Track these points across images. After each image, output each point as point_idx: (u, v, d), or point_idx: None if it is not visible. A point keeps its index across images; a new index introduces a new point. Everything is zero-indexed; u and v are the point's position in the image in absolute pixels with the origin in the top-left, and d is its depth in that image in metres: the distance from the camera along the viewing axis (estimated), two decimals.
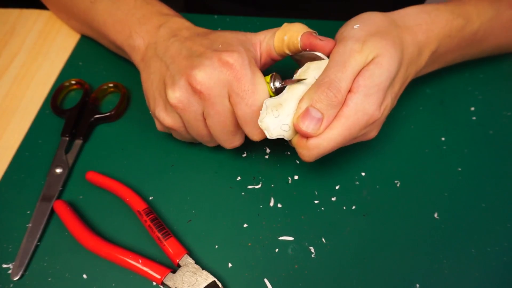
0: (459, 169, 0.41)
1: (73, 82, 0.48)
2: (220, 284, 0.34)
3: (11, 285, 0.35)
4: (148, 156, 0.43)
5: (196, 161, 0.42)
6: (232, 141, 0.37)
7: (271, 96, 0.35)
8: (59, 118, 0.45)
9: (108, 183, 0.39)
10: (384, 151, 0.43)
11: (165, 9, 0.42)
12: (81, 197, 0.40)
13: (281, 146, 0.43)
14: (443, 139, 0.43)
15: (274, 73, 0.35)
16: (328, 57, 0.35)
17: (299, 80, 0.34)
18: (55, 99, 0.46)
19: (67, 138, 0.43)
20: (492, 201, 0.39)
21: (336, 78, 0.32)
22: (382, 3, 0.62)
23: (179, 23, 0.39)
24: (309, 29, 0.36)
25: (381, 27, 0.36)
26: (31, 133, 0.44)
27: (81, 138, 0.43)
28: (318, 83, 0.33)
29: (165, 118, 0.36)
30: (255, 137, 0.36)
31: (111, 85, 0.47)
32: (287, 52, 0.37)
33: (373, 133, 0.37)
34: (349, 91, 0.33)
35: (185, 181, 0.41)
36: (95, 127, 0.45)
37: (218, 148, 0.43)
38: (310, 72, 0.35)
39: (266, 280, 0.35)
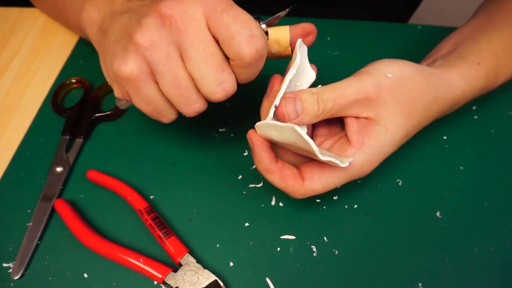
0: (461, 168, 0.41)
1: (73, 80, 0.47)
2: (221, 283, 0.34)
3: (12, 284, 0.35)
4: (149, 154, 0.42)
5: (197, 160, 0.42)
6: (221, 81, 0.30)
7: None
8: (59, 116, 0.45)
9: (109, 182, 0.39)
10: None
11: None
12: (81, 196, 0.40)
13: None
14: (445, 138, 0.43)
15: (258, 16, 0.32)
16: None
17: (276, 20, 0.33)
18: (55, 97, 0.46)
19: (68, 137, 0.43)
20: (494, 200, 0.39)
21: (331, 96, 0.32)
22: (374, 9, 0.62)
23: None
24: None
25: (412, 91, 0.34)
26: (32, 132, 0.44)
27: (81, 136, 0.43)
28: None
29: (123, 66, 0.29)
30: (246, 49, 0.29)
31: None
32: (273, 47, 0.35)
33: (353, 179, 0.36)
34: (350, 144, 0.33)
35: (186, 180, 0.41)
36: (95, 126, 0.45)
37: (219, 147, 0.43)
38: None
39: (267, 279, 0.35)
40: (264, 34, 0.30)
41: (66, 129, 0.43)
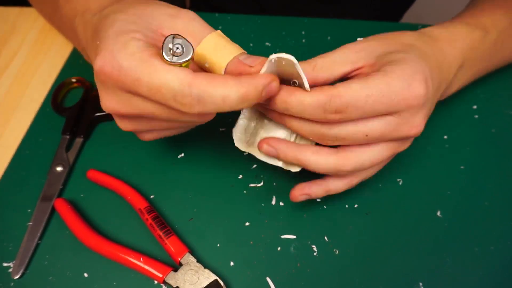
0: (462, 167, 0.41)
1: (73, 80, 0.47)
2: (222, 283, 0.33)
3: (12, 284, 0.35)
4: (149, 154, 0.42)
5: (198, 160, 0.42)
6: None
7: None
8: (59, 116, 0.45)
9: (109, 181, 0.39)
10: None
11: None
12: (82, 195, 0.40)
13: None
14: (445, 137, 0.43)
15: (166, 36, 0.27)
16: None
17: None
18: (55, 97, 0.46)
19: (68, 136, 0.43)
20: (495, 200, 0.39)
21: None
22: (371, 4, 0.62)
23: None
24: (242, 51, 0.30)
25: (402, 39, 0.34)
26: (32, 131, 0.44)
27: (82, 136, 0.43)
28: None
29: (107, 107, 0.31)
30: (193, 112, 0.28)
31: None
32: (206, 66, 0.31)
33: (417, 121, 0.32)
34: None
35: (187, 180, 0.41)
36: (96, 125, 0.45)
37: (220, 146, 0.43)
38: None
39: (268, 279, 0.35)
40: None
41: (66, 128, 0.43)
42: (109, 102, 0.30)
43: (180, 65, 0.27)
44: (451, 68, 0.36)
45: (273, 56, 0.28)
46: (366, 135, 0.31)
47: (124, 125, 0.32)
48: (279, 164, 0.34)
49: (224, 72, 0.30)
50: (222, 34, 0.31)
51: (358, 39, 0.35)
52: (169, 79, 0.26)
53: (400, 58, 0.31)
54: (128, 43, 0.28)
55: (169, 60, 0.27)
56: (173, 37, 0.27)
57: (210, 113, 0.29)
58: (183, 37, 0.27)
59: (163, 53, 0.27)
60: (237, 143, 0.34)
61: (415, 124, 0.31)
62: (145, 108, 0.29)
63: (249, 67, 0.29)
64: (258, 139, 0.35)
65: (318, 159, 0.31)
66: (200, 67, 0.31)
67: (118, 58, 0.27)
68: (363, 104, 0.29)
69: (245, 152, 0.42)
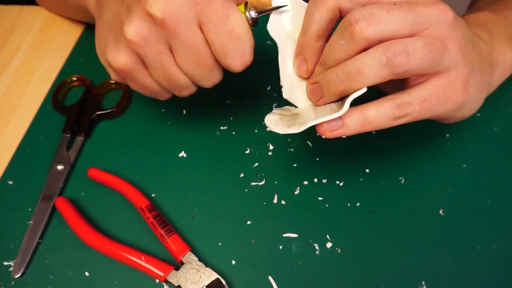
0: (464, 165, 0.41)
1: (74, 78, 0.47)
2: (223, 281, 0.33)
3: (13, 283, 0.35)
4: (150, 153, 0.42)
5: (199, 158, 0.42)
6: (211, 77, 0.32)
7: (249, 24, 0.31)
8: (60, 114, 0.45)
9: (110, 180, 0.39)
10: (388, 148, 0.42)
11: None
12: (83, 194, 0.40)
13: (285, 142, 0.42)
14: (447, 135, 0.43)
15: (246, 1, 0.31)
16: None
17: (277, 8, 0.31)
18: (56, 95, 0.46)
19: (69, 135, 0.43)
20: (497, 198, 0.39)
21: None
22: None
23: None
24: None
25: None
26: (32, 130, 0.44)
27: (82, 134, 0.43)
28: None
29: (115, 58, 0.30)
30: (237, 67, 0.31)
31: (112, 81, 0.47)
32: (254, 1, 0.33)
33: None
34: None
35: (188, 178, 0.40)
36: (96, 124, 0.45)
37: (221, 145, 0.43)
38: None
39: (270, 278, 0.35)
40: (251, 38, 0.30)
41: (67, 127, 0.43)
42: (137, 26, 0.29)
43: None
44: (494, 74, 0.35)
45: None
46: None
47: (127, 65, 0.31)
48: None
49: None
50: None
51: None
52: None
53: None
54: None
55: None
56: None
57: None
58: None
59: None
60: (275, 128, 0.31)
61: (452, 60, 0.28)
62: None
63: None
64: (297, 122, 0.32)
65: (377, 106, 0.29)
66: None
67: None
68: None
69: (246, 150, 0.42)
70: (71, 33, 0.53)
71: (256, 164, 0.41)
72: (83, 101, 0.45)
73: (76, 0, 0.41)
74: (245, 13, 0.30)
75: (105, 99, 0.47)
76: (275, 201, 0.39)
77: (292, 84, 0.33)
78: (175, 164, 0.41)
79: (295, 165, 0.41)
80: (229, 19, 0.29)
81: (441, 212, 0.38)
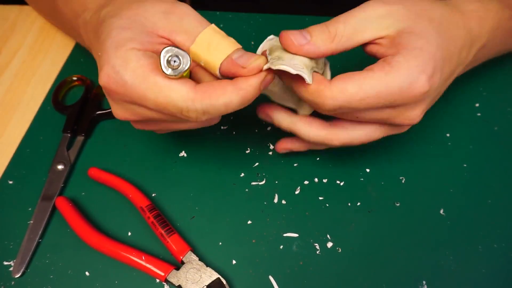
0: (465, 165, 0.41)
1: (74, 78, 0.47)
2: (224, 281, 0.33)
3: (13, 283, 0.35)
4: (150, 152, 0.42)
5: (199, 158, 0.42)
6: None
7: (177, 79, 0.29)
8: (60, 114, 0.45)
9: (110, 180, 0.39)
10: (389, 147, 0.42)
11: None
12: (83, 193, 0.40)
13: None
14: (448, 135, 0.43)
15: (162, 50, 0.28)
16: None
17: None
18: (56, 95, 0.46)
19: (69, 135, 0.43)
20: (498, 197, 0.39)
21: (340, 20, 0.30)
22: None
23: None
24: (237, 48, 0.30)
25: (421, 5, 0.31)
26: (33, 130, 0.44)
27: (83, 134, 0.43)
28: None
29: (115, 112, 0.33)
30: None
31: None
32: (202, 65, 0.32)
33: (413, 115, 0.31)
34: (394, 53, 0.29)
35: (188, 178, 0.40)
36: (97, 124, 0.45)
37: (222, 144, 0.42)
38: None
39: (270, 277, 0.35)
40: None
41: (67, 127, 0.43)
42: (119, 111, 0.32)
43: (181, 75, 0.28)
44: (472, 49, 0.35)
45: (270, 37, 0.30)
46: (357, 117, 0.32)
47: (138, 126, 0.35)
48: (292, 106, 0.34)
49: (219, 71, 0.30)
50: (217, 28, 0.31)
51: None
52: (173, 98, 0.28)
53: (416, 46, 0.30)
54: (128, 57, 0.29)
55: (168, 74, 0.28)
56: (168, 50, 0.28)
57: (215, 118, 0.32)
58: (177, 47, 0.28)
59: (162, 67, 0.28)
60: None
61: (411, 117, 0.31)
62: (153, 116, 0.31)
63: (241, 69, 0.29)
64: (280, 61, 0.31)
65: (309, 131, 0.32)
66: (196, 64, 0.32)
67: (122, 75, 0.29)
68: (357, 105, 0.29)
69: (247, 150, 0.42)
70: None
71: (257, 163, 0.41)
72: (83, 101, 0.45)
73: (69, 23, 0.41)
74: (162, 68, 0.28)
75: (105, 98, 0.47)
76: (275, 200, 0.39)
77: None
78: (175, 164, 0.41)
79: (295, 164, 0.41)
80: (146, 99, 0.29)
81: (441, 211, 0.38)
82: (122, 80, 0.29)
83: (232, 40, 0.31)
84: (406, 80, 0.29)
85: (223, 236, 0.37)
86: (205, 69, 0.32)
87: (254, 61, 0.29)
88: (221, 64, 0.30)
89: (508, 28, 0.38)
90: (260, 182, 0.40)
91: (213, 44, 0.30)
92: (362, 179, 0.40)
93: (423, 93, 0.29)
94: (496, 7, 0.36)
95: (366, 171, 0.41)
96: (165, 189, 0.40)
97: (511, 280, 0.35)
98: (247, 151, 0.42)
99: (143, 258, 0.34)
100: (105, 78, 0.29)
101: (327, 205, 0.39)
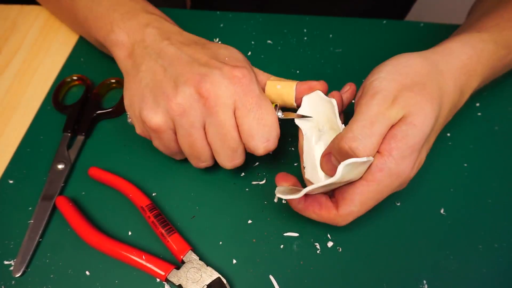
0: (465, 164, 0.41)
1: (74, 78, 0.47)
2: (224, 281, 0.33)
3: (13, 282, 0.35)
4: (151, 152, 0.42)
5: None
6: (233, 158, 0.35)
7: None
8: (60, 114, 0.45)
9: (110, 179, 0.39)
10: None
11: (150, 7, 0.40)
12: (83, 193, 0.40)
13: (285, 142, 0.42)
14: (448, 134, 0.43)
15: (276, 104, 0.36)
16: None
17: (302, 116, 0.36)
18: (56, 95, 0.46)
19: (69, 134, 0.43)
20: (498, 197, 0.39)
21: (360, 135, 0.30)
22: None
23: (168, 26, 0.38)
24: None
25: (418, 76, 0.32)
26: (33, 129, 0.44)
27: (83, 134, 0.43)
28: (340, 137, 0.31)
29: (153, 117, 0.34)
30: (260, 150, 0.34)
31: (113, 80, 0.47)
32: (278, 101, 0.37)
33: (402, 187, 0.34)
34: (379, 152, 0.31)
35: (189, 177, 0.40)
36: (97, 123, 0.45)
37: None
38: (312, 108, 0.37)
39: (271, 277, 0.35)
40: (277, 127, 0.35)
41: (67, 126, 0.43)
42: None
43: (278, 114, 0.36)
44: (465, 95, 0.36)
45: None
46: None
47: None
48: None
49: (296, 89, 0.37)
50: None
51: (381, 69, 0.33)
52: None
53: (412, 127, 0.31)
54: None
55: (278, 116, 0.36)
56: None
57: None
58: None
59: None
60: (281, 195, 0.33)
61: (407, 181, 0.33)
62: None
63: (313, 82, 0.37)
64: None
65: (319, 216, 0.33)
66: (271, 88, 0.37)
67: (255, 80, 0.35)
68: (366, 211, 0.33)
69: None
70: (72, 33, 0.53)
71: (257, 163, 0.41)
72: (83, 100, 0.45)
73: (93, 31, 0.41)
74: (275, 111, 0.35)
75: (106, 98, 0.47)
76: (276, 200, 0.39)
77: (314, 167, 0.36)
78: (176, 163, 0.41)
79: (295, 164, 0.41)
80: (261, 108, 0.33)
81: (442, 211, 0.38)
82: (256, 85, 0.34)
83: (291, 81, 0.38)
84: (398, 179, 0.32)
85: (224, 235, 0.37)
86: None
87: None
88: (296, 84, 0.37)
89: (502, 65, 0.39)
90: (260, 181, 0.40)
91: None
92: None
93: (407, 174, 0.32)
94: (491, 51, 0.37)
95: None
96: (165, 189, 0.40)
97: (511, 279, 0.35)
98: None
99: (144, 257, 0.34)
100: (245, 72, 0.33)
101: None
